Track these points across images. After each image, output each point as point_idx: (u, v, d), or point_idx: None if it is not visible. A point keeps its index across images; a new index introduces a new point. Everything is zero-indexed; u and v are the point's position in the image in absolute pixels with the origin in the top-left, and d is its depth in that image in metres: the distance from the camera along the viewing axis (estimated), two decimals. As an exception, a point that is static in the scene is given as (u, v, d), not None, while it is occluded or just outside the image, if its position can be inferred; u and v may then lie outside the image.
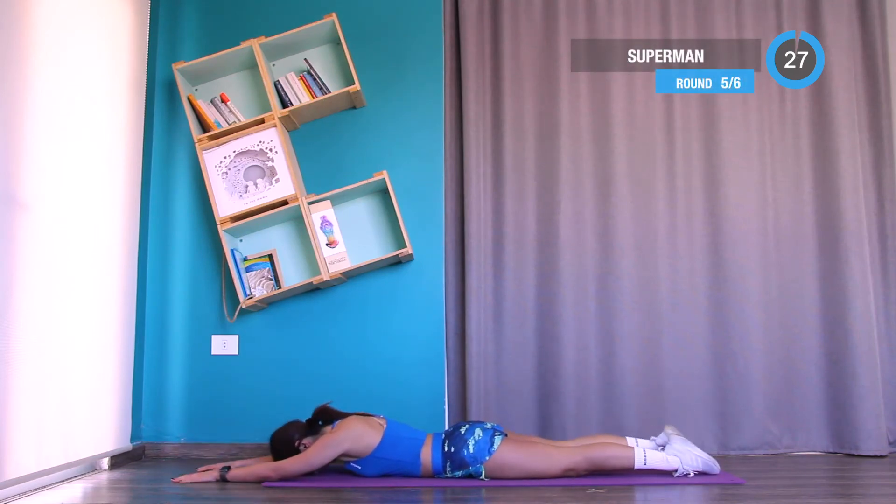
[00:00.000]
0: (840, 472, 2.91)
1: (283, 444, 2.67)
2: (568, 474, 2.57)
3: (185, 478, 2.61)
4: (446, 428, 3.27)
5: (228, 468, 2.64)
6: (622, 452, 2.60)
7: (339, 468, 2.76)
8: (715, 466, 2.61)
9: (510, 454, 2.58)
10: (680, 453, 2.61)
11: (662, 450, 2.71)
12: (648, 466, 2.58)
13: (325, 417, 2.71)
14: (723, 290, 3.42)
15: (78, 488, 2.54)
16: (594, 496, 2.31)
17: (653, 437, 2.83)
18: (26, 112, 2.36)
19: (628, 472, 2.61)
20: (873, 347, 3.29)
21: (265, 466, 2.61)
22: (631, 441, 2.74)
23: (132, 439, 3.17)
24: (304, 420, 2.73)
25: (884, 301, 3.45)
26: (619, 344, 3.38)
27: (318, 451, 2.57)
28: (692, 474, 2.58)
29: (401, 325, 3.34)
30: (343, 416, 2.71)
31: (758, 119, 3.52)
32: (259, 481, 2.59)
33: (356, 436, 2.59)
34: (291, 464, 2.58)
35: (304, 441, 2.66)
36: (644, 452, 2.59)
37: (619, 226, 3.44)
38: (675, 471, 2.59)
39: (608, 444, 2.66)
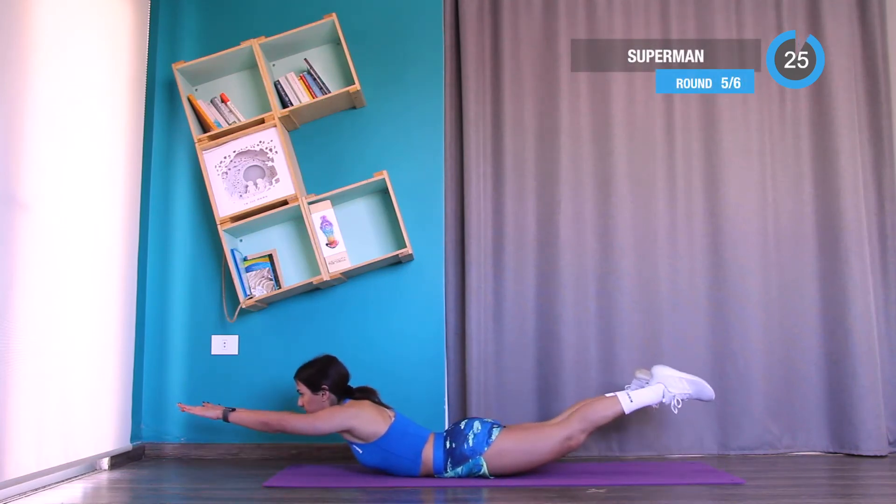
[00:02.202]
0: (840, 472, 2.91)
1: (317, 372, 2.75)
2: (568, 443, 2.60)
3: (188, 407, 2.72)
4: (446, 427, 3.27)
5: (233, 410, 2.70)
6: (609, 403, 2.66)
7: (340, 466, 2.76)
8: (706, 389, 2.65)
9: (508, 441, 2.61)
10: (664, 379, 2.63)
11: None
12: (638, 405, 2.65)
13: (359, 392, 2.78)
14: (723, 290, 3.42)
15: (78, 488, 2.54)
16: (594, 496, 2.31)
17: (626, 386, 2.87)
18: (26, 112, 2.36)
19: (622, 418, 2.67)
20: (873, 347, 3.29)
21: (270, 414, 2.70)
22: (610, 395, 2.76)
23: (132, 439, 3.17)
24: (348, 379, 2.81)
25: (884, 301, 3.45)
26: (619, 344, 3.37)
27: (326, 419, 2.64)
28: (679, 403, 2.60)
29: (401, 324, 3.34)
30: (373, 399, 2.78)
31: (758, 119, 3.51)
32: (262, 428, 2.68)
33: (365, 419, 2.62)
34: (297, 421, 2.66)
35: (328, 393, 2.73)
36: (628, 395, 2.65)
37: (619, 226, 3.44)
38: (663, 397, 2.60)
39: (593, 402, 2.71)
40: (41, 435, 2.41)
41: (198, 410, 2.72)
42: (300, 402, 2.77)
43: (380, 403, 2.77)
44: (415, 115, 3.44)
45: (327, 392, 2.74)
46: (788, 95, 3.54)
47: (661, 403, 2.67)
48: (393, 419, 2.67)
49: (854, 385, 3.27)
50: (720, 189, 3.47)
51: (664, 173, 3.49)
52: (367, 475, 2.70)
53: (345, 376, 2.80)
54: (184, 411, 2.79)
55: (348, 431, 2.64)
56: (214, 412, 2.71)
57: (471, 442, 2.59)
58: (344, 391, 2.79)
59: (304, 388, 2.75)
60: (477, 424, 2.65)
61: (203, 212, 3.39)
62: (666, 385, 2.63)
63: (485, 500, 2.36)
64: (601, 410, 2.65)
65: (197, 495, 2.39)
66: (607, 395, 2.77)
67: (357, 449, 2.67)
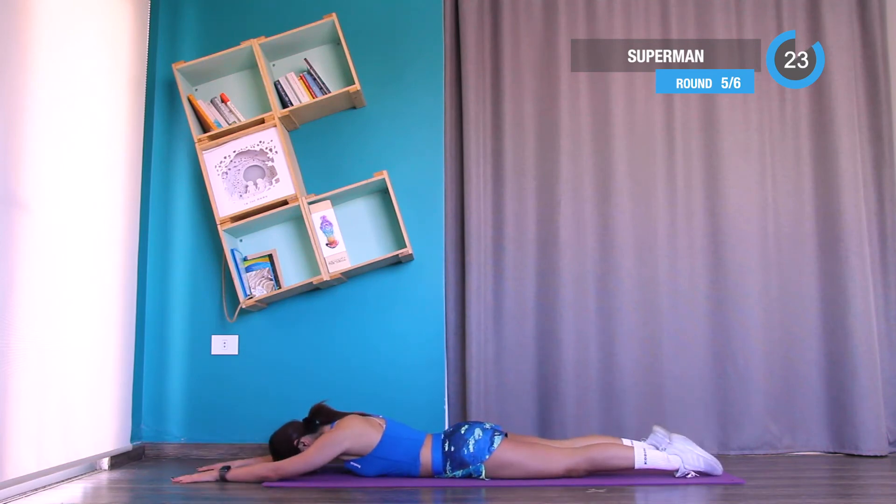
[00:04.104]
0: (840, 472, 2.91)
1: (283, 444, 2.67)
2: (568, 474, 2.57)
3: (184, 478, 2.61)
4: (446, 428, 3.27)
5: (228, 468, 2.64)
6: (623, 452, 2.59)
7: (338, 468, 2.76)
8: (717, 467, 2.61)
9: (510, 453, 2.58)
10: (681, 452, 2.60)
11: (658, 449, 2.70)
12: (649, 466, 2.58)
13: (321, 416, 2.71)
14: (723, 290, 3.42)
15: (78, 488, 2.54)
16: (594, 496, 2.31)
17: (644, 439, 2.79)
18: (26, 112, 2.36)
19: (629, 472, 2.61)
20: (873, 347, 3.29)
21: (265, 467, 2.61)
22: (628, 442, 2.72)
23: (132, 439, 3.17)
24: (300, 420, 2.74)
25: (884, 301, 3.45)
26: (619, 344, 3.38)
27: (318, 451, 2.57)
28: (692, 475, 2.58)
29: (401, 325, 3.34)
30: (340, 415, 2.72)
31: (758, 119, 3.52)
32: (259, 481, 2.59)
33: (356, 435, 2.59)
34: (291, 464, 2.58)
35: (303, 440, 2.67)
36: (644, 452, 2.58)
37: (619, 226, 3.44)
38: (677, 470, 2.58)
39: (608, 445, 2.65)
40: (41, 435, 2.41)
41: (194, 477, 2.60)
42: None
43: (365, 414, 2.74)
44: (415, 114, 3.44)
45: (304, 440, 2.66)
46: (788, 95, 3.54)
47: (673, 472, 2.63)
48: (384, 426, 2.66)
49: (854, 385, 3.27)
50: (720, 189, 3.47)
51: (664, 173, 3.49)
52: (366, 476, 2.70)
53: (298, 424, 2.71)
54: (180, 483, 2.57)
55: (344, 453, 2.60)
56: (210, 475, 2.62)
57: (471, 448, 2.58)
58: (310, 425, 2.70)
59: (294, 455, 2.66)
60: (478, 431, 2.63)
61: (203, 212, 3.39)
62: (683, 459, 2.60)
63: (485, 500, 2.36)
64: (612, 459, 2.58)
65: (197, 495, 2.39)
66: (625, 441, 2.71)
67: (355, 465, 2.63)
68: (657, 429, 2.75)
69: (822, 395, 3.37)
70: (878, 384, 3.27)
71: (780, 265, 3.45)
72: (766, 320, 3.41)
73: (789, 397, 3.37)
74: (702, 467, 2.60)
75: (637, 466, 2.58)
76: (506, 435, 2.67)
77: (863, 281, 3.33)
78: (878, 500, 2.46)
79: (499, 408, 3.35)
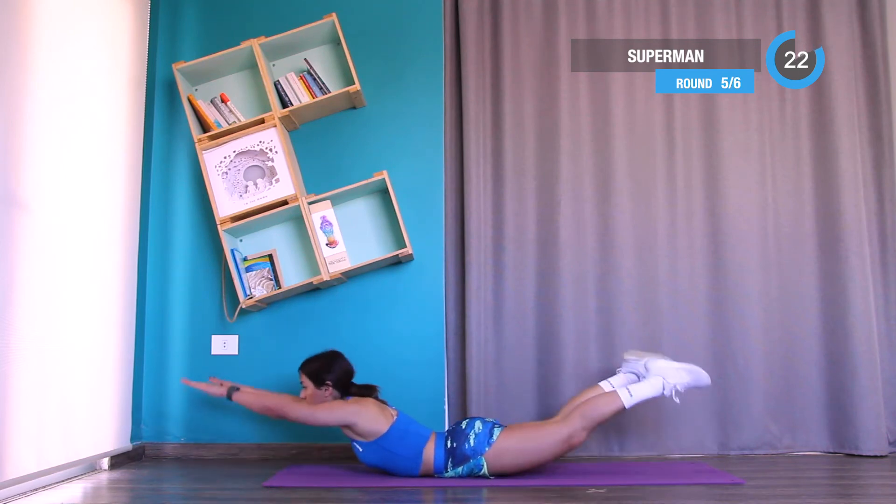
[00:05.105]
0: (840, 472, 2.92)
1: (322, 366, 2.77)
2: (570, 441, 2.59)
3: (193, 383, 2.73)
4: (447, 427, 3.28)
5: (237, 388, 2.71)
6: (609, 400, 2.64)
7: (340, 466, 2.76)
8: (702, 374, 2.62)
9: (509, 440, 2.60)
10: (662, 372, 2.61)
11: (639, 379, 2.73)
12: (637, 399, 2.62)
13: (359, 389, 2.79)
14: (723, 290, 3.42)
15: (78, 488, 2.54)
16: (594, 496, 2.31)
17: (618, 370, 2.86)
18: (26, 112, 2.36)
19: (622, 413, 2.64)
20: (873, 347, 3.29)
21: (274, 399, 2.70)
22: (605, 385, 2.76)
23: (132, 439, 3.17)
24: (352, 373, 2.83)
25: (884, 301, 3.45)
26: (619, 344, 3.37)
27: (328, 412, 2.64)
28: (680, 390, 2.59)
29: (401, 324, 3.34)
30: (371, 394, 2.80)
31: (758, 119, 3.52)
32: (263, 412, 2.68)
33: (368, 417, 2.62)
34: (299, 409, 2.66)
35: (331, 389, 2.75)
36: (628, 390, 2.63)
37: (619, 226, 3.44)
38: (663, 389, 2.59)
39: (593, 399, 2.68)
40: (41, 435, 2.41)
41: (202, 386, 2.71)
42: (302, 395, 2.78)
43: (383, 402, 2.78)
44: (415, 114, 3.44)
45: (330, 388, 2.76)
46: (788, 95, 3.54)
47: (661, 395, 2.65)
48: (395, 418, 2.67)
49: (854, 385, 3.27)
50: (720, 189, 3.47)
51: (664, 173, 3.49)
52: (366, 475, 2.70)
53: (349, 373, 2.82)
54: (187, 385, 2.83)
55: (349, 427, 2.64)
56: (219, 390, 2.72)
57: (472, 442, 2.59)
58: (347, 388, 2.80)
59: (307, 382, 2.77)
60: (478, 424, 2.65)
61: (203, 212, 3.39)
62: (664, 377, 2.61)
63: (485, 500, 2.36)
64: (602, 407, 2.63)
65: (197, 495, 2.39)
66: (604, 387, 2.76)
67: (357, 447, 2.67)
68: (628, 356, 2.78)
69: (822, 395, 3.37)
70: (878, 384, 3.27)
71: (780, 265, 3.45)
72: (766, 320, 3.40)
73: (789, 397, 3.37)
74: (688, 380, 2.60)
75: (627, 406, 2.62)
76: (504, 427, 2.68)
77: (863, 281, 3.33)
78: (878, 500, 2.47)
79: (499, 407, 3.35)
